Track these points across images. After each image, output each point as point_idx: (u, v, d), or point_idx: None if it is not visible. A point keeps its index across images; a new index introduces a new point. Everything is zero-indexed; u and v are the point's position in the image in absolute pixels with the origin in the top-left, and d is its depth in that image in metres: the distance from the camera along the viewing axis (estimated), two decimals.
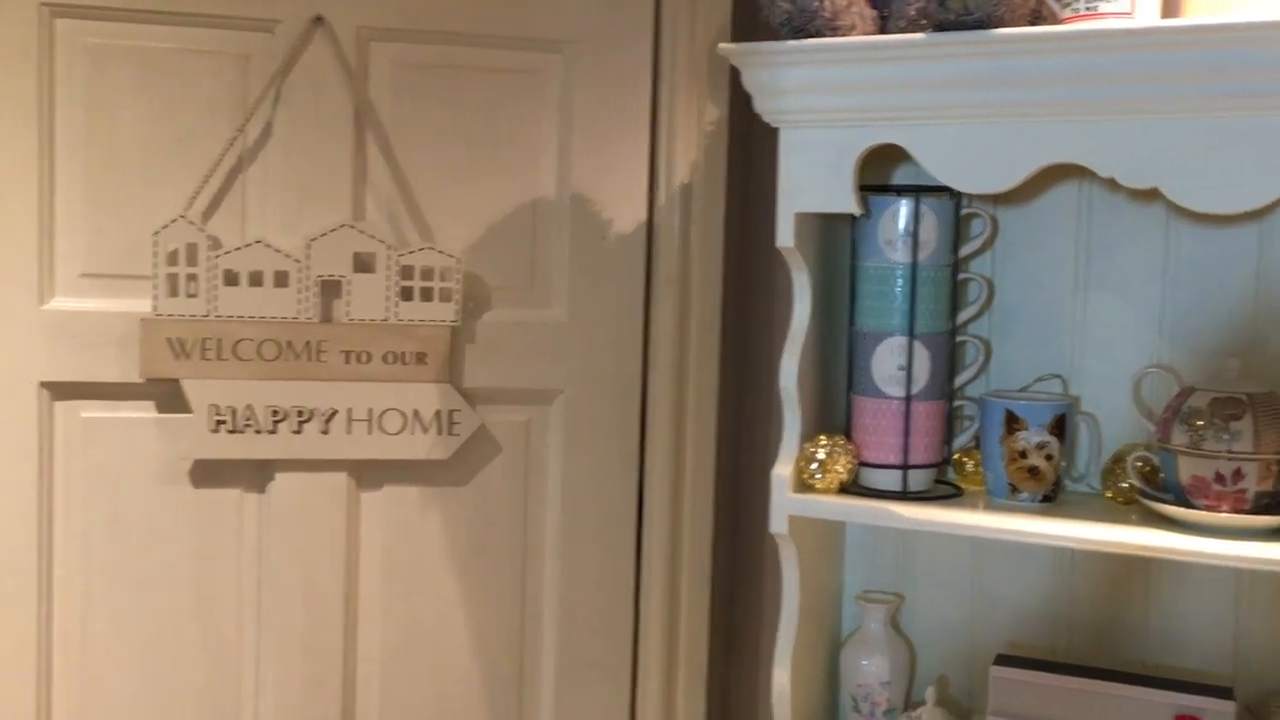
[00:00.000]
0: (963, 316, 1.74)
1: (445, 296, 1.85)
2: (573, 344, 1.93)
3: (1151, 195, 1.44)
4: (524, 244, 1.92)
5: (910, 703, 1.81)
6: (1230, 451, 1.47)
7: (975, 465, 1.72)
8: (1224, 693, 1.56)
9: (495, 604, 1.94)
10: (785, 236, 1.64)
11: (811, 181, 1.61)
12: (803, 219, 1.64)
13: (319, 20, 1.82)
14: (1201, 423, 1.49)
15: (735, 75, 1.62)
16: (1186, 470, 1.50)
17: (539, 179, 1.92)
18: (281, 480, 1.86)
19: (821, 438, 1.67)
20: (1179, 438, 1.51)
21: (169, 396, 1.81)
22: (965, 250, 1.73)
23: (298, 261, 1.81)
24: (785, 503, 1.65)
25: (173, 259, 1.78)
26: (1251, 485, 1.47)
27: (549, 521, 1.95)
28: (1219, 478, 1.47)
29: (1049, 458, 1.61)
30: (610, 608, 1.96)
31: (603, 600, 1.96)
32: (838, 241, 1.74)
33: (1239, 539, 1.45)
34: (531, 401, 1.93)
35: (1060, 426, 1.62)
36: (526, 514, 1.95)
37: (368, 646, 1.91)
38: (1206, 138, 1.40)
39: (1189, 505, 1.50)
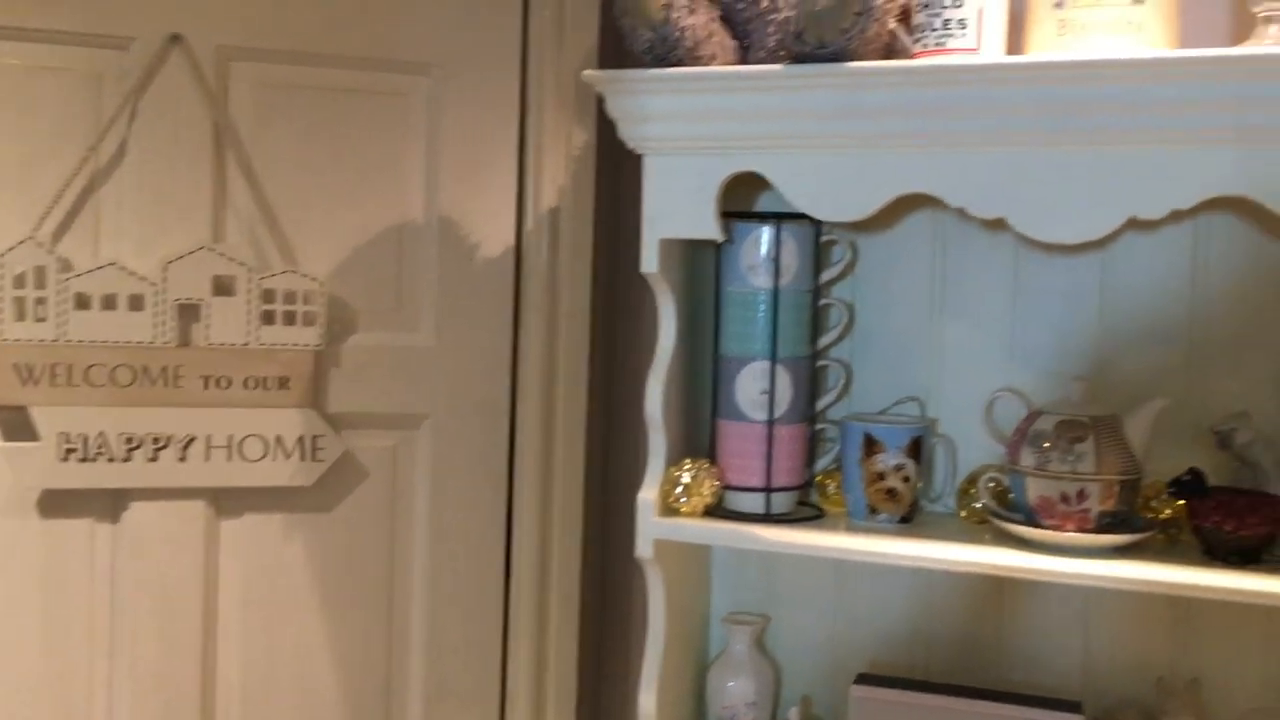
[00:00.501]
0: (824, 341, 1.77)
1: (308, 320, 1.82)
2: (440, 368, 1.92)
3: (1001, 224, 1.49)
4: (390, 267, 1.90)
5: None
6: (1074, 473, 1.52)
7: (837, 487, 1.75)
8: (1073, 707, 1.61)
9: (361, 633, 1.91)
10: (649, 262, 1.65)
11: (675, 208, 1.63)
12: (667, 245, 1.66)
13: (176, 38, 1.78)
14: (1048, 445, 1.54)
15: (603, 100, 1.63)
16: (1034, 491, 1.55)
17: (406, 201, 1.90)
18: (137, 509, 1.81)
19: (686, 462, 1.69)
20: (1027, 459, 1.56)
21: (17, 424, 1.74)
22: (826, 276, 1.76)
23: (154, 284, 1.77)
24: (650, 527, 1.66)
25: (20, 282, 1.72)
26: (1095, 505, 1.52)
27: (416, 548, 1.93)
28: (1064, 498, 1.52)
29: (906, 479, 1.65)
30: (478, 636, 1.95)
31: (470, 628, 1.94)
32: (703, 267, 1.76)
33: (1084, 557, 1.50)
34: (398, 426, 1.91)
35: (917, 449, 1.66)
36: (393, 540, 1.92)
37: (227, 678, 1.86)
38: (1050, 170, 1.45)
39: (1037, 525, 1.55)
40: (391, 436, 1.91)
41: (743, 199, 1.78)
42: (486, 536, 1.95)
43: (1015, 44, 1.55)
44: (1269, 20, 1.41)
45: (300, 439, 1.82)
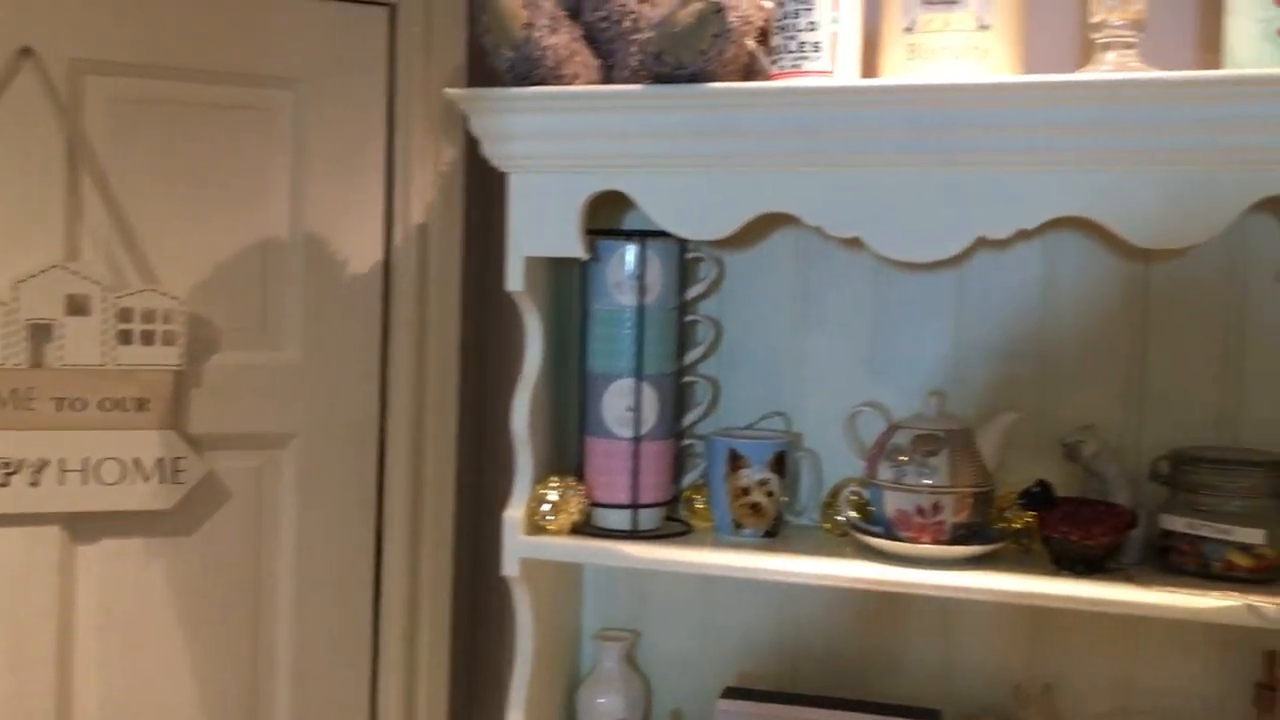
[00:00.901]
0: (691, 357, 1.79)
1: (168, 340, 1.77)
2: (307, 387, 1.89)
3: (860, 242, 1.52)
4: (254, 285, 1.87)
5: None
6: (929, 485, 1.55)
7: (705, 502, 1.76)
8: (932, 715, 1.65)
9: (225, 659, 1.87)
10: (515, 280, 1.65)
11: (539, 226, 1.63)
12: (533, 262, 1.66)
13: (27, 51, 1.73)
14: (904, 458, 1.57)
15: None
16: (891, 504, 1.58)
17: (270, 218, 1.87)
18: None
19: (553, 479, 1.68)
20: (884, 473, 1.59)
21: None
22: (692, 293, 1.78)
23: (3, 304, 1.71)
24: (516, 545, 1.66)
25: None
26: (949, 517, 1.55)
27: (282, 570, 1.89)
28: (920, 510, 1.56)
29: (770, 494, 1.67)
30: (346, 660, 1.91)
31: (339, 652, 1.91)
32: (571, 284, 1.76)
33: (939, 569, 1.54)
34: (263, 446, 1.88)
35: (781, 463, 1.69)
36: (259, 563, 1.88)
37: (84, 708, 1.80)
38: (902, 191, 1.48)
39: (895, 537, 1.58)
40: (256, 457, 1.88)
41: (611, 216, 1.79)
42: (355, 557, 1.92)
43: (869, 67, 1.58)
44: (1107, 47, 1.46)
45: (160, 461, 1.77)
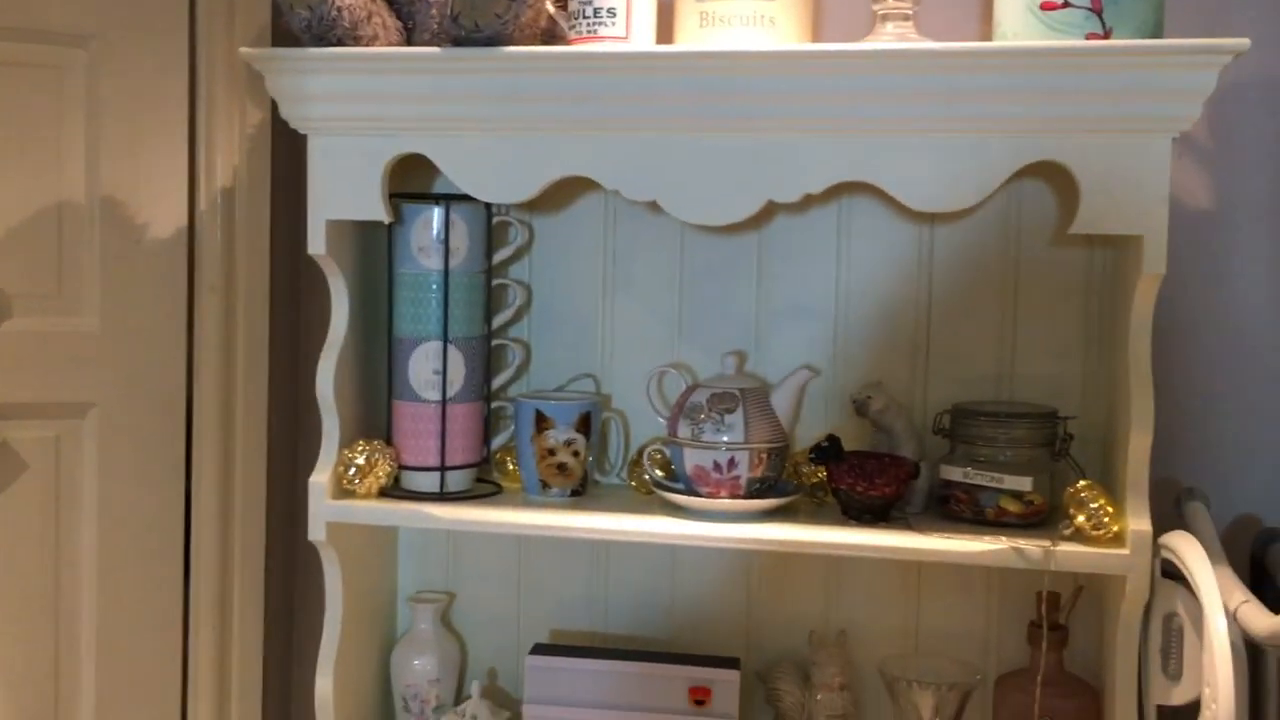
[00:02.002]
0: (499, 321, 1.80)
1: None
2: (107, 354, 1.84)
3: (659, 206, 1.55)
4: (49, 249, 1.81)
5: (461, 698, 1.86)
6: (725, 442, 1.61)
7: (516, 464, 1.79)
8: (731, 663, 1.71)
9: (24, 637, 1.81)
10: (317, 244, 1.64)
11: (341, 189, 1.62)
12: (336, 226, 1.65)
13: None
14: (702, 416, 1.62)
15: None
16: (690, 461, 1.63)
17: (64, 180, 1.81)
18: None
19: (360, 443, 1.69)
20: (683, 431, 1.64)
21: None
22: (499, 256, 1.79)
23: None
24: (323, 509, 1.66)
25: None
26: (744, 473, 1.61)
27: (84, 543, 1.84)
28: (716, 466, 1.61)
29: (576, 454, 1.70)
30: (156, 632, 1.87)
31: (148, 626, 1.87)
32: (378, 248, 1.76)
33: (737, 522, 1.60)
34: (61, 415, 1.82)
35: (586, 424, 1.72)
36: (59, 537, 1.83)
37: None
38: (695, 155, 1.52)
39: (694, 493, 1.63)
40: (54, 426, 1.82)
41: (424, 180, 1.79)
42: (163, 528, 1.89)
43: (664, 34, 1.62)
44: (886, 18, 1.52)
45: None
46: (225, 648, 1.91)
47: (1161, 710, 1.48)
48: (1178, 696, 1.43)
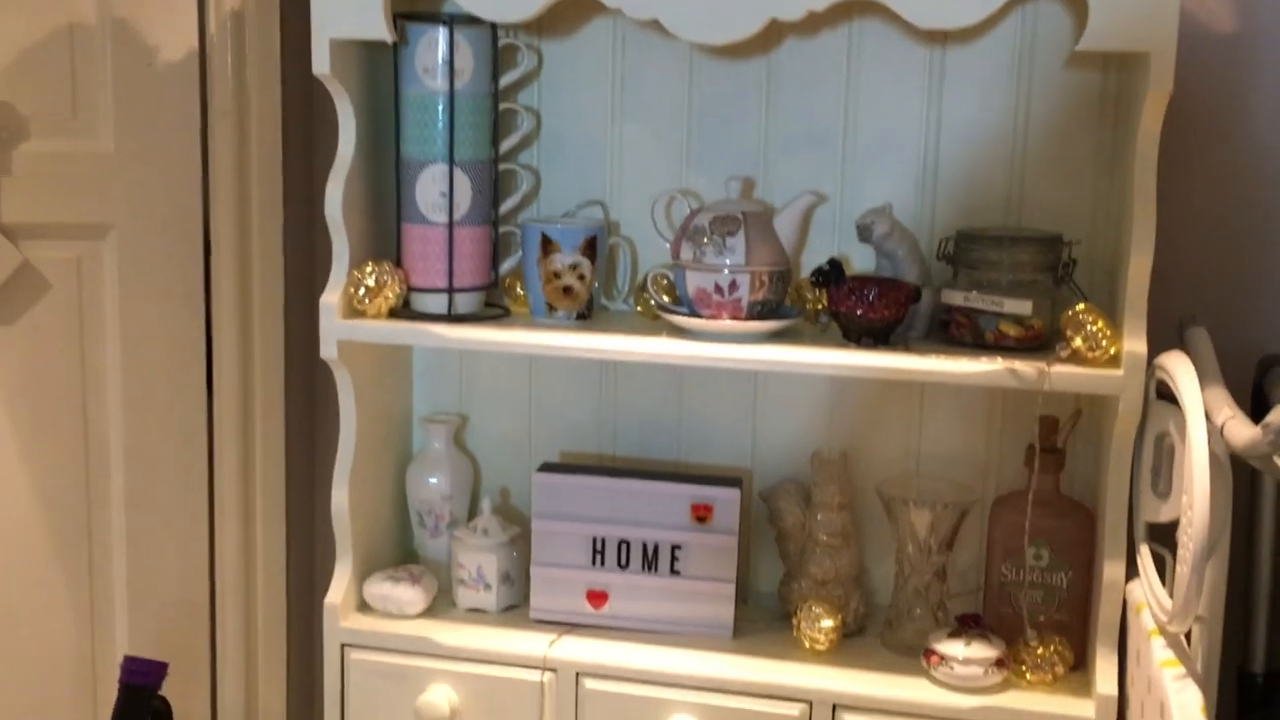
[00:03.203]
0: (507, 145, 1.80)
1: None
2: (123, 176, 1.87)
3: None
4: (62, 71, 1.82)
5: (473, 514, 1.92)
6: (727, 265, 1.62)
7: (524, 289, 1.81)
8: (734, 483, 1.75)
9: (55, 449, 1.89)
10: (321, 64, 1.64)
11: (344, 7, 1.62)
12: (341, 46, 1.65)
13: None
14: (704, 239, 1.63)
15: None
16: (693, 283, 1.64)
17: (76, 3, 1.81)
18: None
19: (370, 264, 1.71)
20: (686, 253, 1.65)
21: None
22: (507, 80, 1.78)
23: None
24: (334, 329, 1.70)
25: None
26: (746, 295, 1.62)
27: (109, 361, 1.90)
28: (718, 289, 1.62)
29: (581, 278, 1.72)
30: (181, 449, 1.95)
31: (173, 440, 1.94)
32: (384, 71, 1.75)
33: (738, 344, 1.62)
34: (81, 237, 1.86)
35: (592, 248, 1.73)
36: (84, 354, 1.89)
37: None
38: None
39: (696, 316, 1.65)
40: (75, 248, 1.86)
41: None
42: (185, 348, 1.94)
43: None
44: None
45: None
46: (248, 459, 1.98)
47: (1150, 527, 1.50)
48: (1165, 514, 1.46)
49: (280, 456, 2.01)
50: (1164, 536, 1.51)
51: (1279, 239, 1.68)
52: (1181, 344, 1.59)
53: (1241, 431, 1.25)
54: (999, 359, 1.51)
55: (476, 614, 1.80)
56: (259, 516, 2.00)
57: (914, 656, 1.65)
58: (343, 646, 1.75)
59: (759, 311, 1.64)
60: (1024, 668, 1.59)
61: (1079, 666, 1.63)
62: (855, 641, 1.73)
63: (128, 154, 1.86)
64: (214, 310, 1.95)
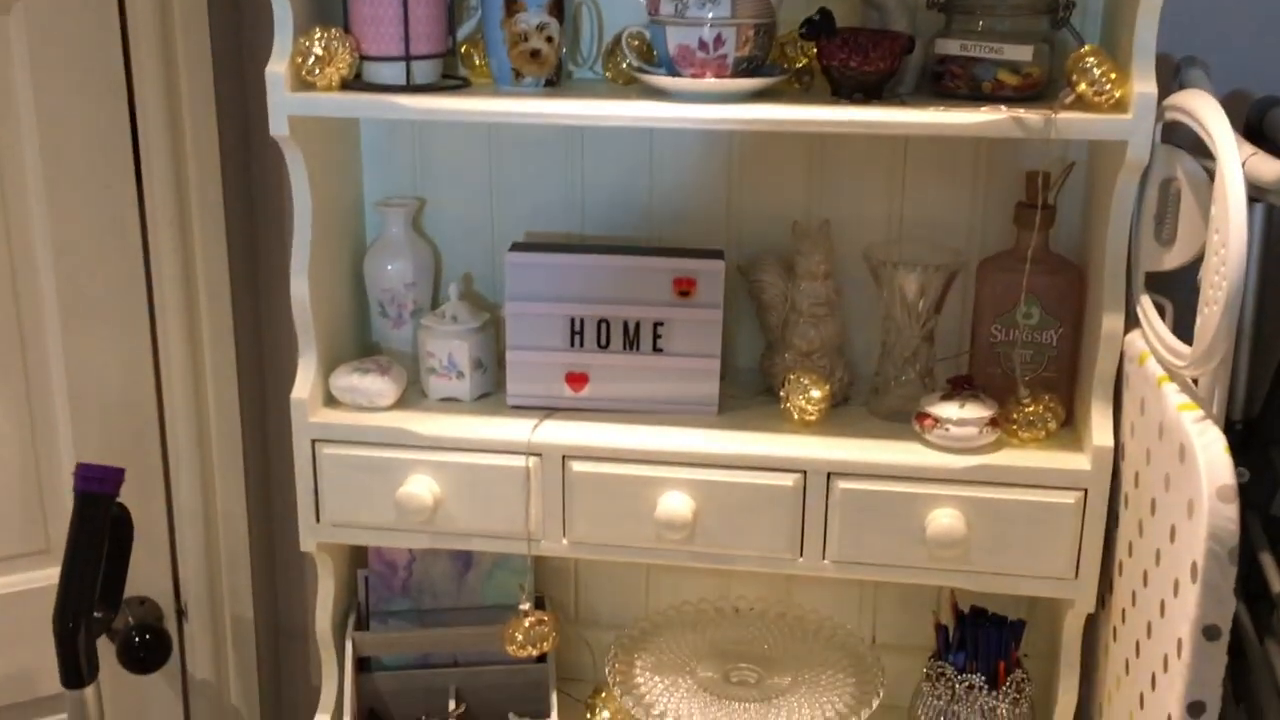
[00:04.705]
0: None
1: None
2: None
3: None
4: None
5: (438, 302, 1.84)
6: (711, 18, 1.51)
7: (483, 57, 1.69)
8: (716, 255, 1.69)
9: None
10: None
11: None
12: None
13: None
14: None
15: None
16: (673, 40, 1.53)
17: None
18: None
19: (317, 30, 1.57)
20: (666, 8, 1.53)
21: None
22: None
23: None
24: (283, 102, 1.56)
25: None
26: (731, 51, 1.52)
27: (28, 152, 1.73)
28: (702, 45, 1.52)
29: (550, 40, 1.60)
30: (114, 242, 1.80)
31: (104, 236, 1.79)
32: None
33: (724, 103, 1.52)
34: None
35: (559, 8, 1.60)
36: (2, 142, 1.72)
37: None
38: None
39: (677, 75, 1.55)
40: None
41: None
42: (108, 136, 1.77)
43: None
44: None
45: None
46: (189, 255, 1.85)
47: (1150, 277, 1.48)
48: (1169, 261, 1.43)
49: (222, 253, 1.88)
50: (1161, 286, 1.50)
51: None
52: (1180, 88, 1.55)
53: (1266, 166, 1.21)
54: (1002, 108, 1.44)
55: (450, 403, 1.74)
56: (203, 311, 1.88)
57: (903, 422, 1.63)
58: (313, 442, 1.67)
59: (745, 68, 1.54)
60: (1015, 426, 1.59)
61: (1068, 423, 1.63)
62: (842, 411, 1.71)
63: None
64: (136, 89, 1.77)
